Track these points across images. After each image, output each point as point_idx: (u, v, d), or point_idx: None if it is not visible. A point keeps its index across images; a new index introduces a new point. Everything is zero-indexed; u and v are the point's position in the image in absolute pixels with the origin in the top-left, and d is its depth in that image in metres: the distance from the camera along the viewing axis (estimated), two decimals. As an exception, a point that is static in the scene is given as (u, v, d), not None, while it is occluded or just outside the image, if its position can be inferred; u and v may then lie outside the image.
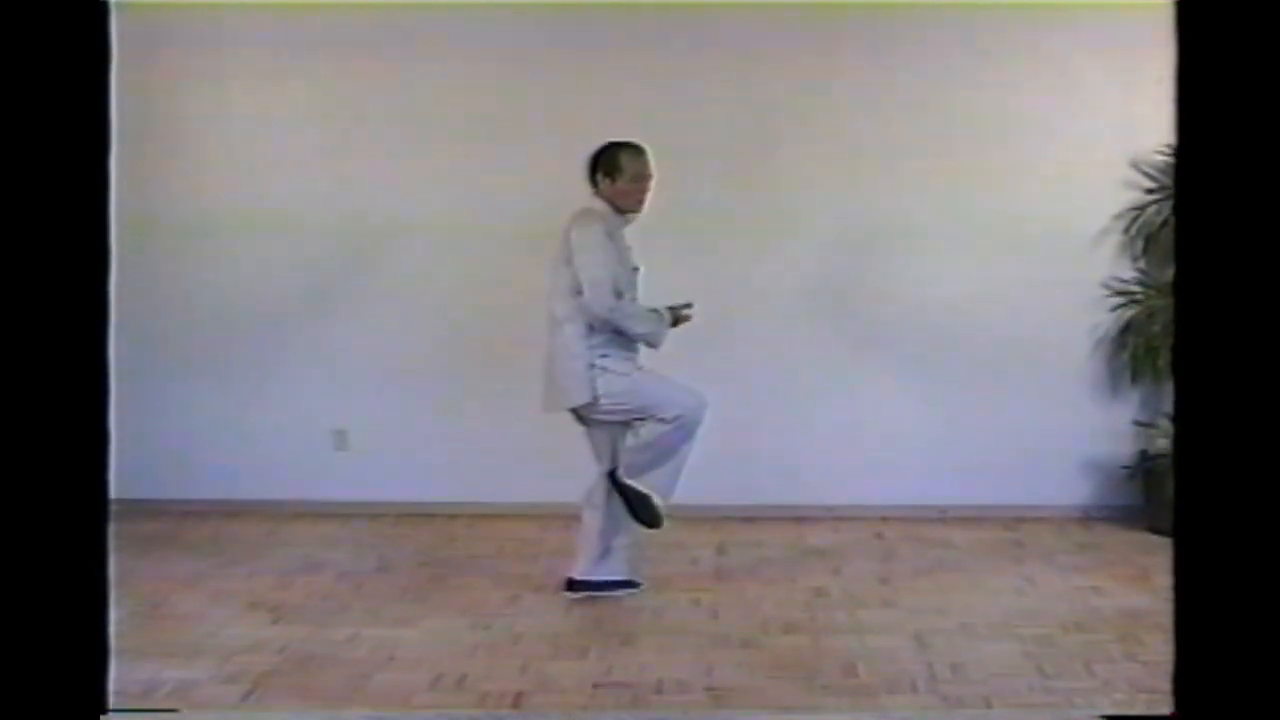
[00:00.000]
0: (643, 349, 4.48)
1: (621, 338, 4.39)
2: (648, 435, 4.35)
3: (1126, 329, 5.70)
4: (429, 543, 5.47)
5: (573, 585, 4.57)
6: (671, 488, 4.42)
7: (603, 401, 4.36)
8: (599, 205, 4.43)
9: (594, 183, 4.44)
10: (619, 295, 4.34)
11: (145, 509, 5.54)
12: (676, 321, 4.50)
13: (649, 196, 4.46)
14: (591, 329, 4.36)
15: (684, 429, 4.36)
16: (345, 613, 4.46)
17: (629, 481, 4.38)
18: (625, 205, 4.44)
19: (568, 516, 5.40)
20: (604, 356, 4.36)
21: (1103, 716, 3.30)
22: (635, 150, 4.43)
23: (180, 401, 5.99)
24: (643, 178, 4.43)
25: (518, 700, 3.58)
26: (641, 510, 4.38)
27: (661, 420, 4.34)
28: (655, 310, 4.46)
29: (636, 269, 4.50)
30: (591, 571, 4.55)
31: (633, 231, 4.53)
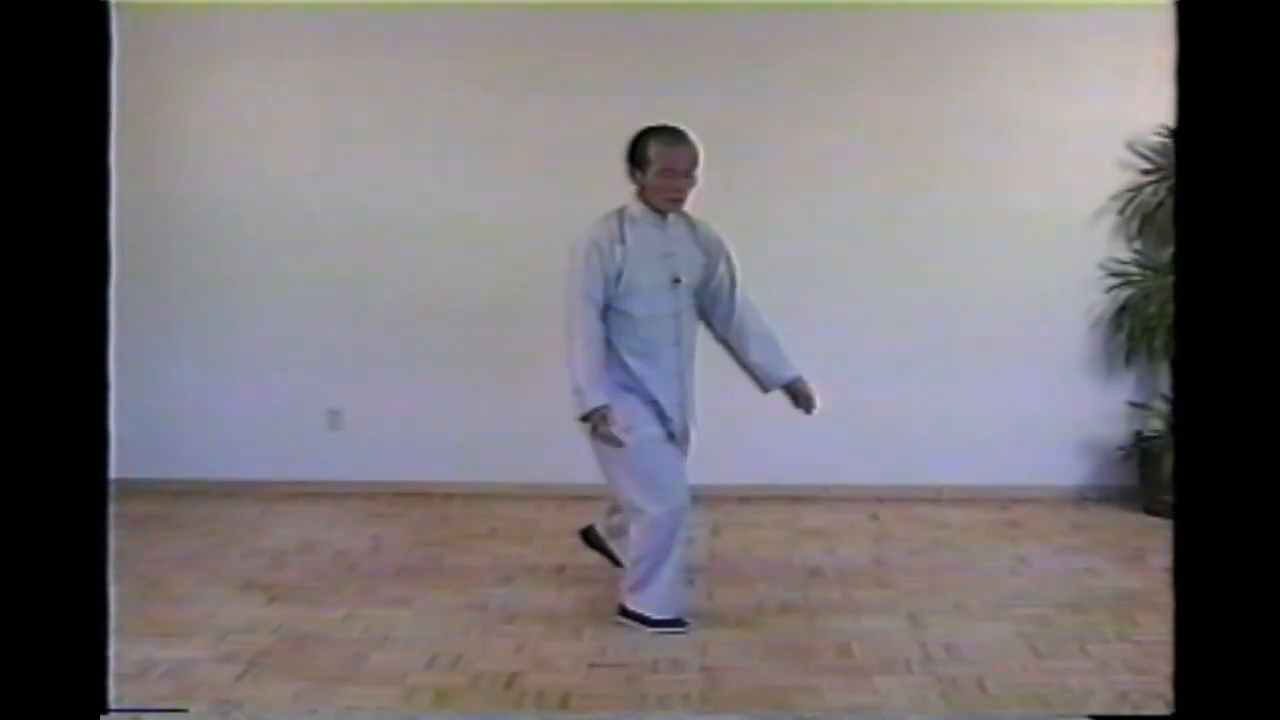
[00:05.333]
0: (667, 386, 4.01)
1: (633, 371, 3.92)
2: (633, 544, 4.00)
3: (1122, 310, 5.70)
4: (424, 522, 5.47)
5: (586, 534, 4.50)
6: (665, 604, 3.97)
7: (594, 441, 3.91)
8: (630, 203, 3.95)
9: (630, 175, 3.96)
10: (598, 307, 3.86)
11: (140, 489, 5.54)
12: (593, 427, 3.83)
13: (688, 190, 3.94)
14: (608, 343, 3.91)
15: (657, 536, 3.91)
16: (340, 592, 4.46)
17: (631, 609, 4.01)
18: (656, 202, 3.92)
19: (564, 497, 5.44)
20: (612, 393, 3.86)
21: (1090, 717, 3.30)
22: (668, 138, 3.88)
23: (175, 382, 6.01)
24: (672, 172, 3.87)
25: (512, 680, 3.58)
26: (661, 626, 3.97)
27: (635, 510, 3.95)
28: (605, 377, 3.84)
29: (678, 280, 3.97)
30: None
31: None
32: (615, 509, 4.27)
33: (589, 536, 4.50)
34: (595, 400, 3.81)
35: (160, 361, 5.95)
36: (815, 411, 4.23)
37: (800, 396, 4.23)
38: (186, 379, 6.03)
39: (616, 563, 4.24)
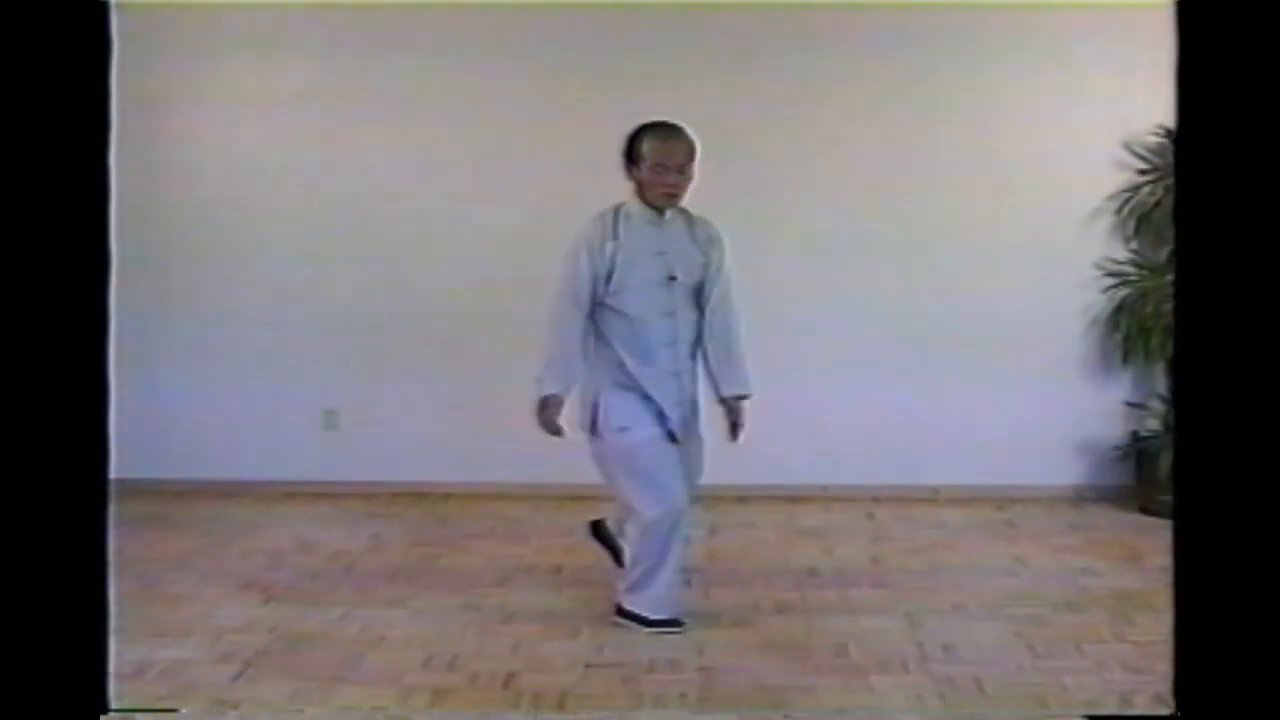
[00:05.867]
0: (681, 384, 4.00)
1: (629, 370, 3.90)
2: (631, 544, 4.03)
3: (1119, 310, 5.71)
4: (421, 523, 5.47)
5: (596, 527, 4.42)
6: (662, 604, 3.98)
7: (591, 442, 3.99)
8: (628, 200, 3.93)
9: (626, 171, 3.94)
10: (582, 304, 3.89)
11: (138, 489, 5.52)
12: (544, 417, 3.89)
13: (683, 186, 3.91)
14: (601, 341, 3.95)
15: (654, 537, 3.90)
16: (336, 592, 4.46)
17: (628, 609, 4.03)
18: (651, 198, 3.90)
19: (561, 497, 5.43)
20: (609, 391, 3.93)
21: (1087, 717, 3.30)
22: (661, 133, 3.86)
23: (172, 382, 6.00)
24: (662, 167, 3.84)
25: (509, 680, 3.58)
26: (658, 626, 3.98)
27: (633, 511, 3.96)
28: (567, 371, 3.89)
29: (672, 278, 3.93)
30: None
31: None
32: None
33: (598, 529, 4.42)
34: (548, 389, 3.89)
35: (159, 362, 5.94)
36: (738, 440, 4.15)
37: (731, 423, 4.15)
38: (185, 379, 6.02)
39: (619, 561, 4.23)
